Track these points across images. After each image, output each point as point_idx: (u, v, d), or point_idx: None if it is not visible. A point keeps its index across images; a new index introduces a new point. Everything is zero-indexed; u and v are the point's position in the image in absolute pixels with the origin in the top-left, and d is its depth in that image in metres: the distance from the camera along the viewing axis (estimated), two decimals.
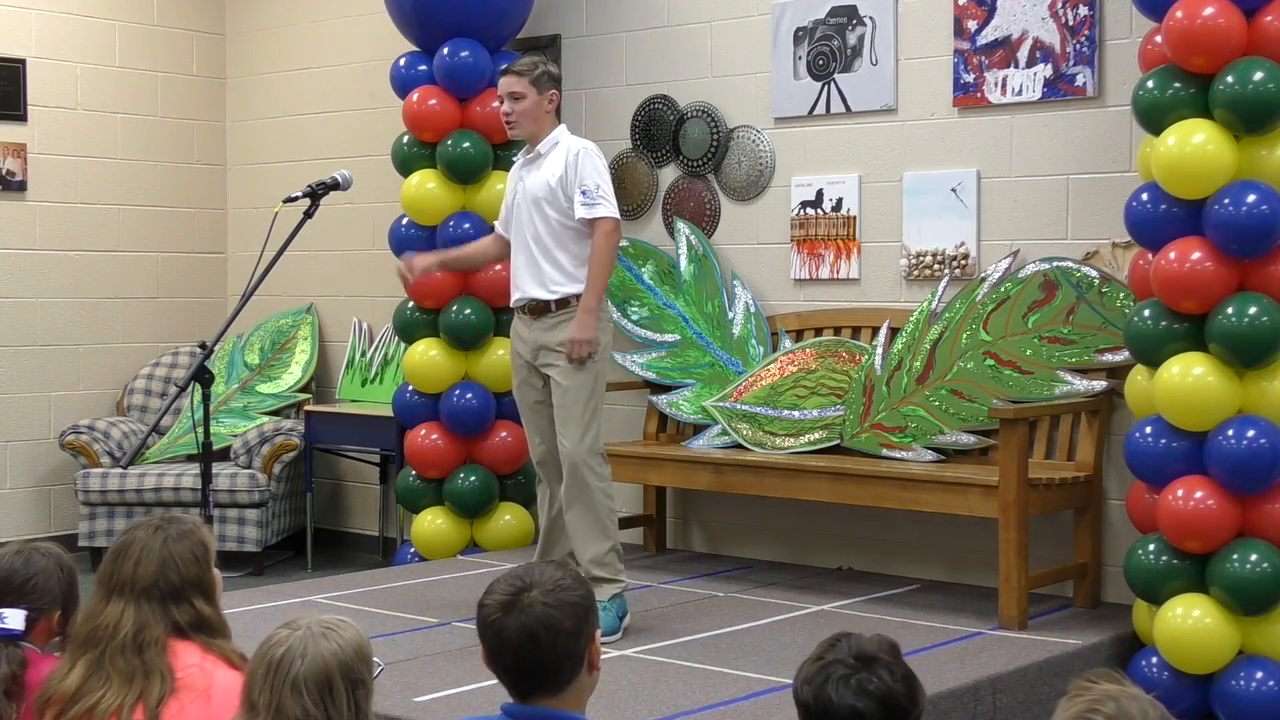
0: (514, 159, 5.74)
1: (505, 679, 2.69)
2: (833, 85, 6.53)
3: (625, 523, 6.37)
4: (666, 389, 6.69)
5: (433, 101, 6.98)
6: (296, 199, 5.10)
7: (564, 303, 5.34)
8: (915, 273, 6.29)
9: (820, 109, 6.57)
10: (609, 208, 5.30)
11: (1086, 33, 5.86)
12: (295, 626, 2.58)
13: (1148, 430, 4.96)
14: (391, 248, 7.19)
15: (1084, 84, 5.87)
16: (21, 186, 8.02)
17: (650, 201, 7.07)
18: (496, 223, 5.80)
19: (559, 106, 5.54)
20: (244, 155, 8.84)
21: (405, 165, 7.13)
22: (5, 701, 3.12)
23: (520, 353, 5.49)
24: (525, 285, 5.40)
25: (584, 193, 5.28)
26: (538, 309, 5.38)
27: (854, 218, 6.49)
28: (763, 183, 6.76)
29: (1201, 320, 4.83)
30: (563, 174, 5.33)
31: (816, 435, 6.19)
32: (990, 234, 6.12)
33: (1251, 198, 4.69)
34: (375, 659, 2.65)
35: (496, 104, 5.63)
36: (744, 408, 6.37)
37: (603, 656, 2.83)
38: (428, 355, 7.04)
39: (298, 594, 6.09)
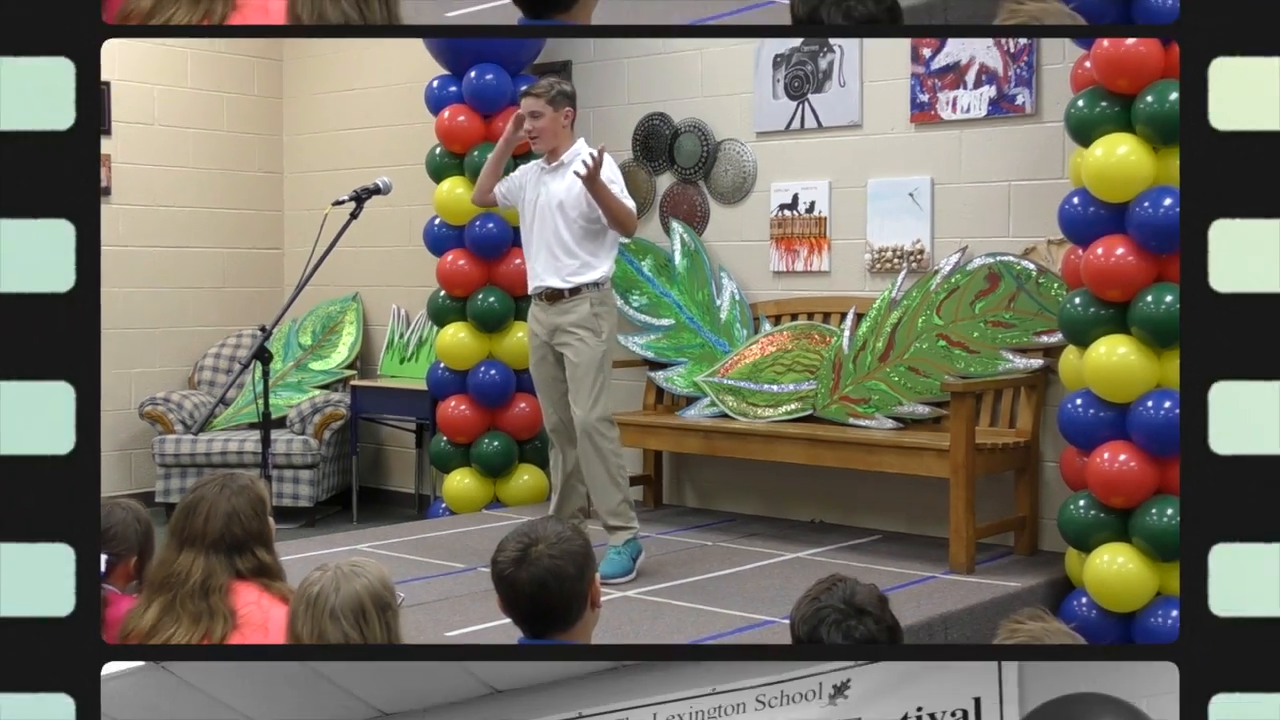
0: (538, 164, 5.46)
1: (521, 623, 2.68)
2: (806, 104, 6.50)
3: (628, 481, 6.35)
4: (663, 366, 6.68)
5: (461, 118, 6.95)
6: (343, 202, 5.06)
7: (576, 290, 5.30)
8: (877, 266, 6.27)
9: (796, 124, 6.54)
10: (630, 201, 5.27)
11: (1026, 58, 5.83)
12: (325, 569, 2.59)
13: (1078, 402, 4.95)
14: (426, 245, 7.19)
15: (1023, 103, 5.84)
16: (106, 192, 8.00)
17: (649, 205, 7.04)
18: (501, 183, 5.54)
19: (574, 120, 5.39)
20: (298, 164, 8.81)
21: (437, 173, 7.11)
22: None
23: (537, 333, 5.44)
24: (544, 276, 5.34)
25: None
26: (554, 296, 5.33)
27: (825, 218, 6.46)
28: (746, 188, 6.73)
29: (1124, 307, 4.81)
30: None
31: (793, 406, 6.17)
32: (942, 232, 6.10)
33: (1168, 201, 4.66)
34: (398, 591, 2.65)
35: (522, 122, 5.37)
36: (730, 382, 6.36)
37: (608, 597, 2.83)
38: (457, 337, 7.02)
39: (345, 543, 6.08)
